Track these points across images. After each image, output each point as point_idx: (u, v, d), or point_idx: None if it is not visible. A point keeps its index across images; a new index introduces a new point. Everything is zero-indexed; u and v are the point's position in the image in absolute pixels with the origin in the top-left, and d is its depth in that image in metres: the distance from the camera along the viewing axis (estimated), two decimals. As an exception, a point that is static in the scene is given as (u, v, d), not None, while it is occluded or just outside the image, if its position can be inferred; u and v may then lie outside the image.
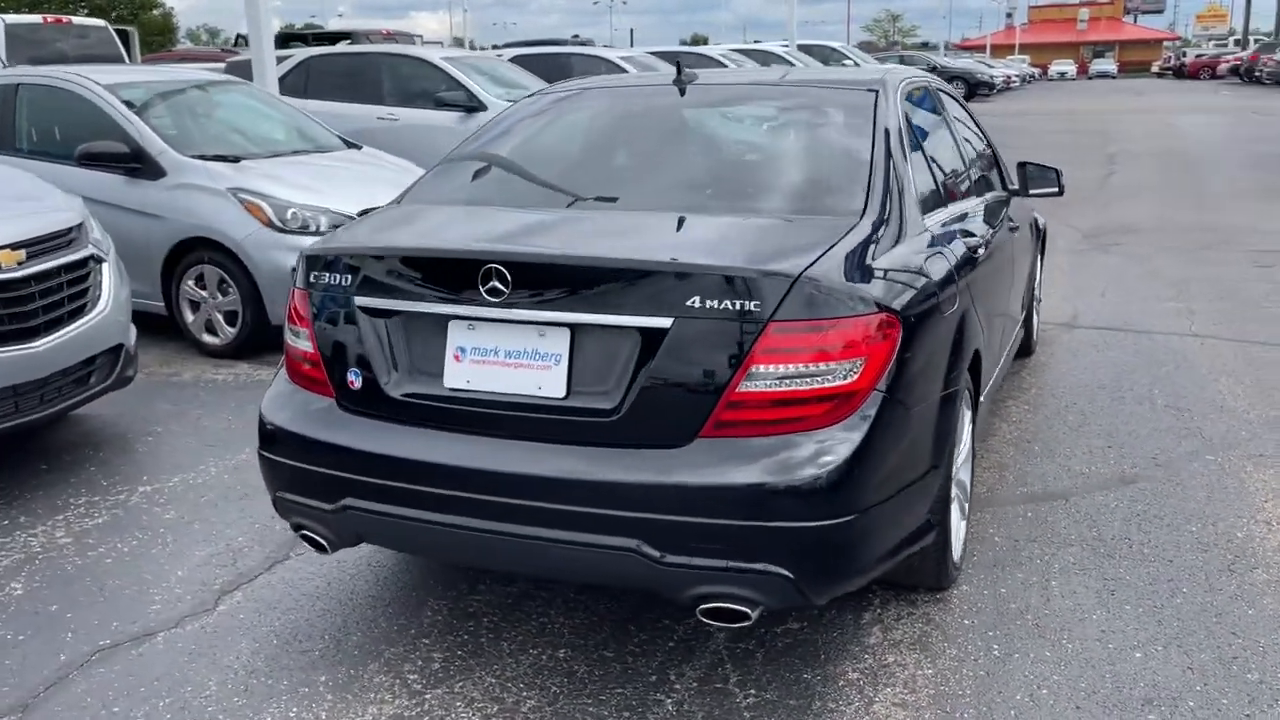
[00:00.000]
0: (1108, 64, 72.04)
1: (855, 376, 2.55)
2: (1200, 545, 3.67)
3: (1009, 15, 73.77)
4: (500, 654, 3.10)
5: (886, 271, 2.75)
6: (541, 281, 2.65)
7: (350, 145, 7.54)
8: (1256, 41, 52.75)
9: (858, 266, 2.67)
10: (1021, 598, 3.33)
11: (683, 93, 3.66)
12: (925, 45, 70.07)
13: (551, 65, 13.29)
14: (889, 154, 3.17)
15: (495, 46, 18.02)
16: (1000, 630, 3.15)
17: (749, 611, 2.57)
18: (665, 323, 2.54)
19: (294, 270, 3.10)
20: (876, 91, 3.48)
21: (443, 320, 2.78)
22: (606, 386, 2.62)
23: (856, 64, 22.36)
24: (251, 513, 4.12)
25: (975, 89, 36.51)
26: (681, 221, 2.96)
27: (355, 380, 2.87)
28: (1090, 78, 67.60)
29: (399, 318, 2.84)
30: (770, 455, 2.51)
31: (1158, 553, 3.62)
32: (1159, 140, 19.09)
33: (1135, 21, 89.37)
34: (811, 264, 2.58)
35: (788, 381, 2.52)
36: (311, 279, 2.97)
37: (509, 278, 2.64)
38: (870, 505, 2.57)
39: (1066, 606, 3.28)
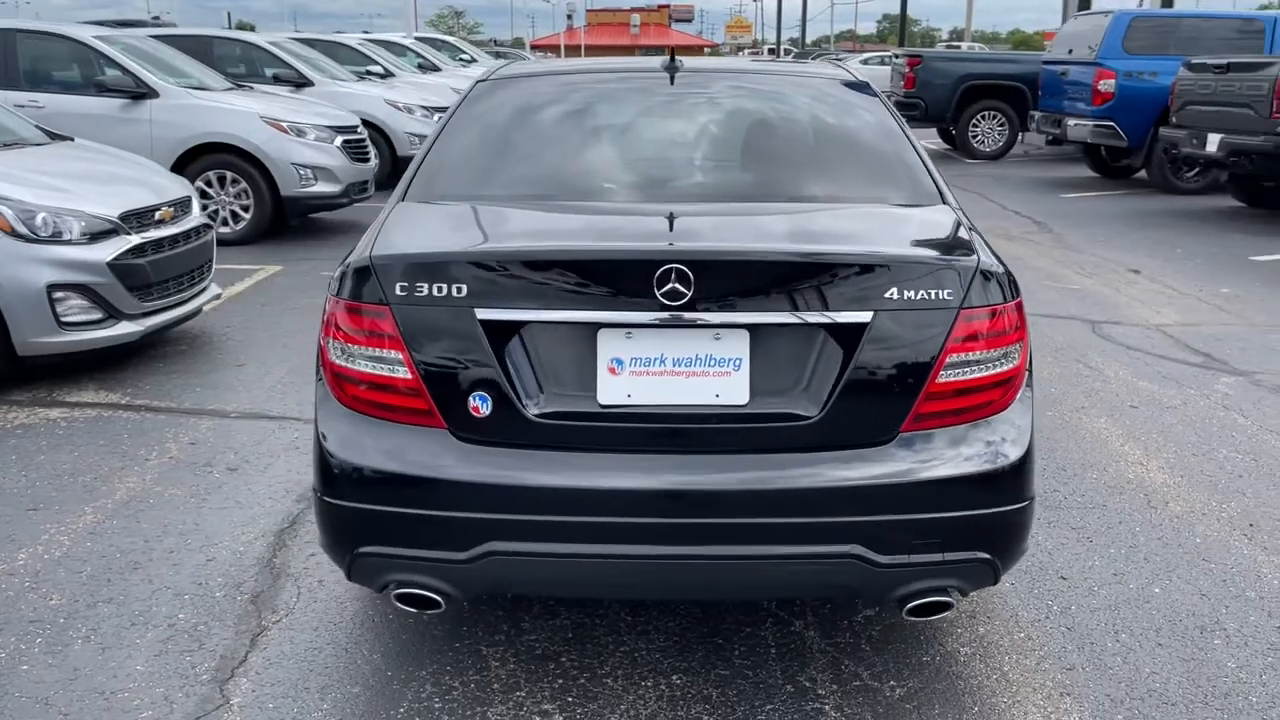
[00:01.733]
0: None
1: (1017, 359, 2.62)
2: (1112, 489, 4.17)
3: (569, 17, 77.14)
4: (615, 692, 2.82)
5: (997, 255, 2.85)
6: (721, 281, 2.44)
7: (57, 136, 6.31)
8: (787, 51, 59.71)
9: (991, 250, 2.74)
10: (1029, 556, 3.59)
11: (672, 80, 3.51)
12: (495, 42, 71.25)
13: (194, 49, 11.94)
14: (915, 141, 3.29)
15: (95, 24, 15.80)
16: (1041, 588, 3.39)
17: (953, 601, 2.56)
18: (865, 317, 2.45)
19: (342, 280, 2.58)
20: (867, 83, 3.58)
21: (590, 330, 2.47)
22: (796, 388, 2.48)
23: (475, 59, 22.18)
24: (162, 580, 3.37)
25: None
26: (819, 213, 2.86)
27: (481, 406, 2.46)
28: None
29: (532, 330, 2.47)
30: (971, 444, 2.52)
31: (1088, 499, 4.07)
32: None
33: (671, 27, 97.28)
34: (980, 251, 2.61)
35: (973, 368, 2.53)
36: (399, 291, 2.49)
37: (692, 279, 2.40)
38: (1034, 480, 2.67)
39: (1068, 558, 3.59)
